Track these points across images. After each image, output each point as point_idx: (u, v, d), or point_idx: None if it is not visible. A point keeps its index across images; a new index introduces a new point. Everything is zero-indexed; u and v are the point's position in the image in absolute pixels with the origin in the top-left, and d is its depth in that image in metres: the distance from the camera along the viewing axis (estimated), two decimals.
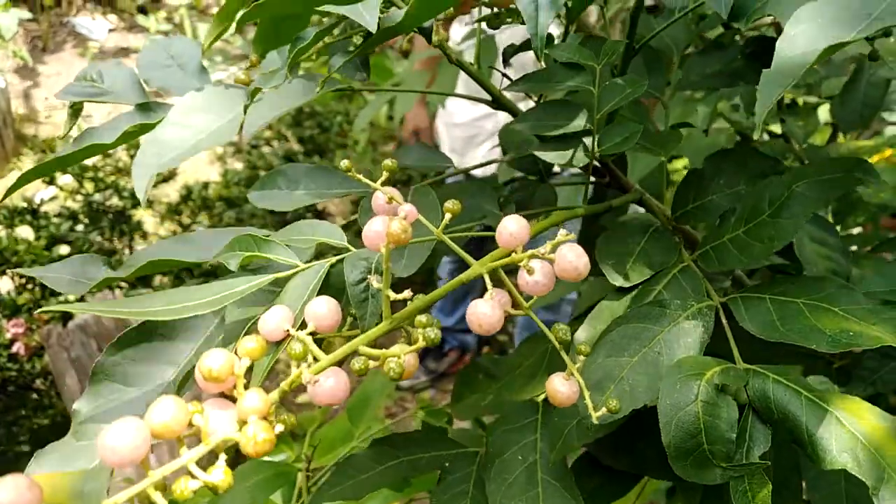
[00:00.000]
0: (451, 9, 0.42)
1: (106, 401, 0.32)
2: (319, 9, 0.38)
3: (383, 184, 0.31)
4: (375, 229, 0.30)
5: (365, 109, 2.00)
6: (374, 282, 0.30)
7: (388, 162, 0.31)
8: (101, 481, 0.21)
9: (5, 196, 0.48)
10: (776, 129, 0.97)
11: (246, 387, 0.24)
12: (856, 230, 0.97)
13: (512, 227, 0.30)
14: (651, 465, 0.45)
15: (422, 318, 0.27)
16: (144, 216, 1.92)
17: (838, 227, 0.77)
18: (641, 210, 0.53)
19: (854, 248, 0.77)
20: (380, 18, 0.34)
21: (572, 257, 0.30)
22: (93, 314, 1.47)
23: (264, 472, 0.59)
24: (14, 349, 1.49)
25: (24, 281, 1.60)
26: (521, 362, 0.59)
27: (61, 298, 1.51)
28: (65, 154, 0.47)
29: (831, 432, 0.30)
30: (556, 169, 0.61)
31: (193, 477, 0.21)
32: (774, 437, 0.33)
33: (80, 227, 1.79)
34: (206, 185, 1.96)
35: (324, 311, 0.29)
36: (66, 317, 1.53)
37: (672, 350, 0.37)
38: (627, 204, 0.54)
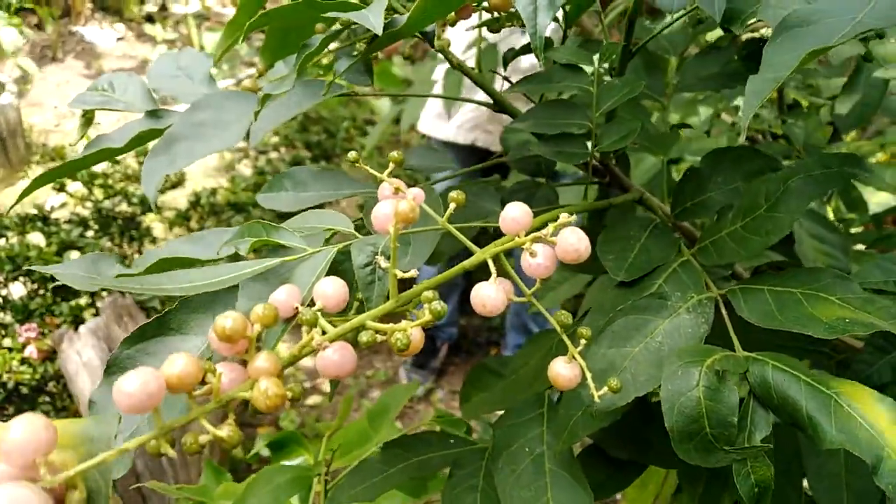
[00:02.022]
0: (453, 14, 0.43)
1: None
2: (325, 15, 0.40)
3: (389, 175, 0.32)
4: (384, 212, 0.31)
5: (373, 131, 2.00)
6: (382, 262, 0.31)
7: (394, 154, 0.32)
8: (110, 427, 0.22)
9: (18, 200, 0.49)
10: (777, 130, 0.98)
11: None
12: (856, 230, 0.98)
13: (514, 213, 0.31)
14: (656, 454, 0.46)
15: (428, 293, 0.28)
16: (154, 222, 1.94)
17: (839, 226, 0.77)
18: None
19: (856, 247, 0.78)
20: (384, 22, 0.35)
21: (574, 240, 0.30)
22: (104, 318, 1.49)
23: (283, 476, 0.59)
24: (27, 353, 1.51)
25: (36, 286, 1.63)
26: (527, 361, 0.60)
27: (73, 304, 1.52)
28: (77, 158, 0.48)
29: (830, 413, 0.31)
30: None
31: (204, 431, 0.22)
32: (775, 426, 0.34)
33: (90, 234, 1.81)
34: (214, 192, 1.98)
35: (331, 290, 0.30)
36: (77, 321, 1.55)
37: (673, 340, 0.38)
38: (630, 203, 0.55)
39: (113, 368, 0.34)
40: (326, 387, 2.14)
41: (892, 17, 0.29)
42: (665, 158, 0.56)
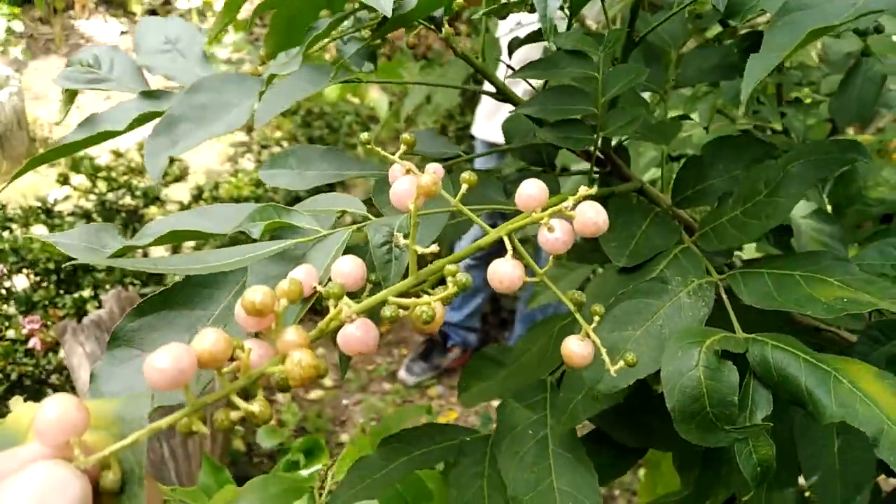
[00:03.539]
0: (461, 0, 0.44)
1: (122, 365, 0.33)
2: None
3: (400, 157, 0.32)
4: (403, 188, 0.31)
5: (408, 98, 1.99)
6: (401, 239, 0.32)
7: (406, 135, 0.32)
8: (143, 407, 0.21)
9: (13, 179, 0.47)
10: (777, 125, 0.99)
11: None
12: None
13: (531, 190, 0.31)
14: (658, 438, 0.46)
15: (451, 267, 0.28)
16: (157, 215, 1.94)
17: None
18: None
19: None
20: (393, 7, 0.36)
21: (592, 213, 0.31)
22: (107, 311, 1.49)
23: (276, 486, 0.58)
24: (30, 345, 1.51)
25: (39, 279, 1.63)
26: (528, 348, 0.61)
27: (76, 296, 1.52)
28: (76, 140, 0.46)
29: (830, 388, 0.32)
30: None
31: (235, 407, 0.22)
32: (776, 406, 0.35)
33: None
34: (217, 185, 1.98)
35: (349, 268, 0.30)
36: (80, 313, 1.55)
37: (674, 323, 0.39)
38: (629, 193, 0.55)
39: (117, 342, 0.33)
40: (327, 381, 2.15)
41: (892, 2, 0.30)
42: (666, 149, 0.56)
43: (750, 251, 0.87)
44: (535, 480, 0.43)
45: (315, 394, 2.08)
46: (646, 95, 0.67)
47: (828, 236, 0.64)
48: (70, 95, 0.50)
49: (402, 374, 2.15)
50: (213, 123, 0.43)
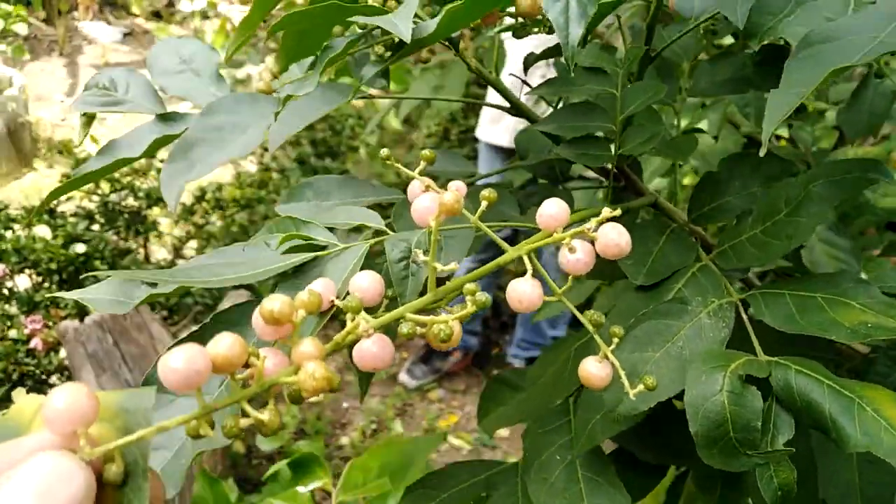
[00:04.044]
0: (479, 20, 0.43)
1: (157, 410, 0.32)
2: (351, 19, 0.39)
3: (420, 173, 0.32)
4: (425, 205, 0.31)
5: (373, 119, 2.01)
6: (420, 255, 0.31)
7: (426, 152, 0.32)
8: (146, 400, 0.21)
9: (37, 211, 0.48)
10: (784, 132, 0.98)
11: None
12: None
13: (552, 210, 0.31)
14: (681, 454, 0.46)
15: (470, 286, 0.28)
16: (159, 216, 1.94)
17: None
18: None
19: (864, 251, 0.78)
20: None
21: (615, 235, 0.30)
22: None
23: None
24: (32, 344, 1.51)
25: (41, 279, 1.63)
26: (544, 371, 0.60)
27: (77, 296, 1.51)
28: (93, 171, 0.47)
29: (854, 417, 0.32)
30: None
31: (245, 414, 0.22)
32: (797, 427, 0.35)
33: (95, 227, 1.81)
34: (219, 187, 1.98)
35: (367, 283, 0.30)
36: (82, 313, 1.55)
37: (694, 345, 0.39)
38: (640, 208, 0.55)
39: (150, 381, 0.33)
40: None
41: None
42: (681, 163, 0.56)
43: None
44: None
45: (315, 397, 2.08)
46: (655, 106, 0.66)
47: (840, 250, 0.64)
48: (88, 119, 0.51)
49: (402, 377, 2.15)
50: (229, 146, 0.43)
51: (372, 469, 0.67)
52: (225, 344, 0.22)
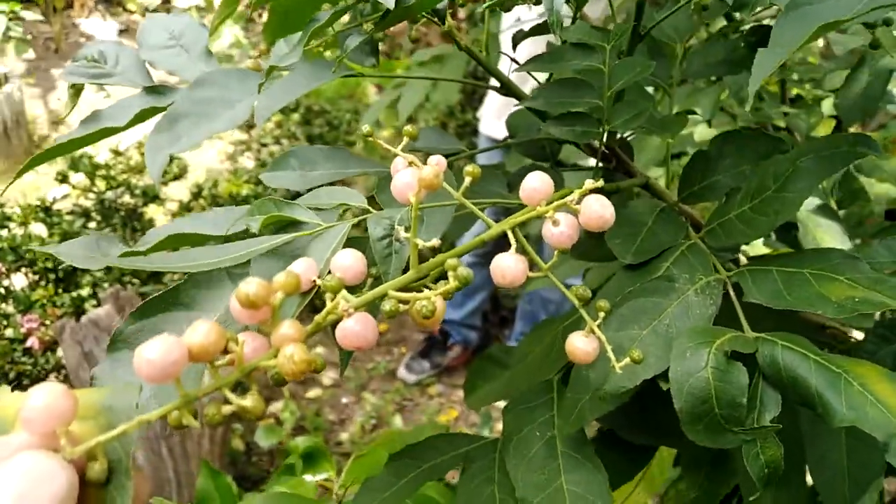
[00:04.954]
0: None
1: (124, 367, 0.33)
2: None
3: (403, 150, 0.31)
4: (405, 180, 0.30)
5: (369, 112, 2.01)
6: (402, 232, 0.31)
7: (408, 128, 0.31)
8: (130, 397, 0.21)
9: (15, 178, 0.48)
10: (780, 123, 0.98)
11: None
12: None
13: (535, 183, 0.30)
14: (667, 435, 0.45)
15: (452, 261, 0.27)
16: (156, 214, 1.94)
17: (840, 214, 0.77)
18: None
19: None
20: None
21: (598, 206, 0.30)
22: (106, 310, 1.49)
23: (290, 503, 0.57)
24: (28, 344, 1.51)
25: (37, 277, 1.62)
26: (532, 349, 0.60)
27: (74, 294, 1.51)
28: (76, 137, 0.46)
29: (840, 391, 0.31)
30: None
31: (227, 402, 0.22)
32: (784, 404, 0.34)
33: (92, 225, 1.81)
34: (216, 183, 1.98)
35: (349, 261, 0.30)
36: (79, 311, 1.55)
37: (681, 322, 0.38)
38: (632, 189, 0.54)
39: (118, 344, 0.33)
40: (326, 380, 2.14)
41: None
42: (669, 143, 0.56)
43: (757, 248, 0.86)
44: (545, 482, 0.42)
45: (314, 392, 2.08)
46: (651, 91, 0.66)
47: (834, 233, 0.64)
48: (76, 91, 0.50)
49: (401, 372, 2.15)
50: (215, 120, 0.43)
51: (376, 463, 0.67)
52: (201, 332, 0.21)
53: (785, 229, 0.77)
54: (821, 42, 1.11)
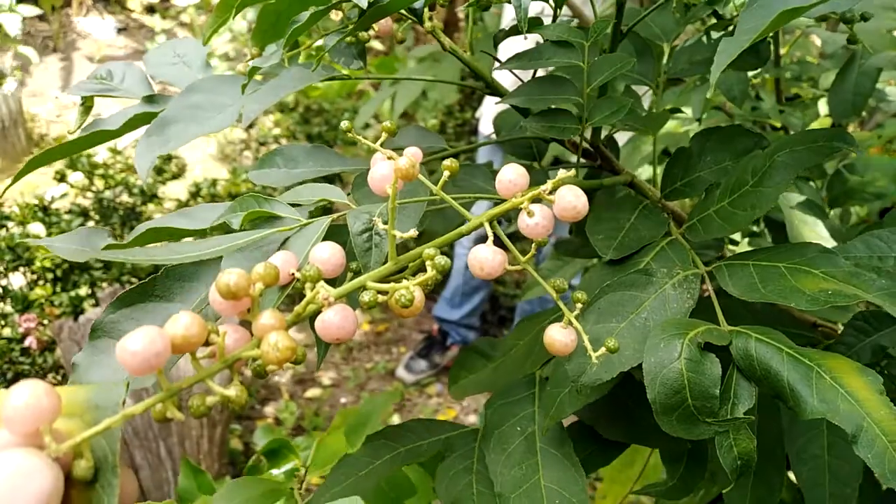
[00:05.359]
0: None
1: (103, 355, 0.33)
2: None
3: (383, 146, 0.32)
4: (381, 172, 0.31)
5: (366, 106, 2.01)
6: (380, 224, 0.31)
7: (386, 124, 0.32)
8: (116, 394, 0.21)
9: (12, 183, 0.49)
10: (776, 122, 0.98)
11: None
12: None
13: (510, 175, 0.31)
14: (645, 433, 0.46)
15: (430, 251, 0.28)
16: (154, 213, 1.94)
17: (831, 213, 0.78)
18: None
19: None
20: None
21: (571, 197, 0.30)
22: (103, 309, 1.49)
23: (256, 489, 0.57)
24: (26, 343, 1.51)
25: (35, 277, 1.63)
26: (517, 342, 0.60)
27: (72, 294, 1.52)
28: (71, 140, 0.48)
29: (812, 384, 0.31)
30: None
31: (211, 392, 0.22)
32: (765, 399, 0.34)
33: (90, 224, 1.82)
34: (214, 183, 1.98)
35: (328, 254, 0.30)
36: (77, 311, 1.55)
37: (659, 316, 0.38)
38: (616, 186, 0.55)
39: (98, 332, 0.33)
40: (325, 380, 2.15)
41: None
42: (656, 140, 0.56)
43: (745, 247, 0.87)
44: (522, 477, 0.42)
45: (312, 392, 2.08)
46: (641, 91, 0.66)
47: (818, 229, 0.64)
48: (86, 108, 0.52)
49: (400, 372, 2.15)
50: (205, 122, 0.44)
51: (338, 442, 0.68)
52: (183, 323, 0.21)
53: (776, 227, 0.77)
54: (819, 41, 1.11)
